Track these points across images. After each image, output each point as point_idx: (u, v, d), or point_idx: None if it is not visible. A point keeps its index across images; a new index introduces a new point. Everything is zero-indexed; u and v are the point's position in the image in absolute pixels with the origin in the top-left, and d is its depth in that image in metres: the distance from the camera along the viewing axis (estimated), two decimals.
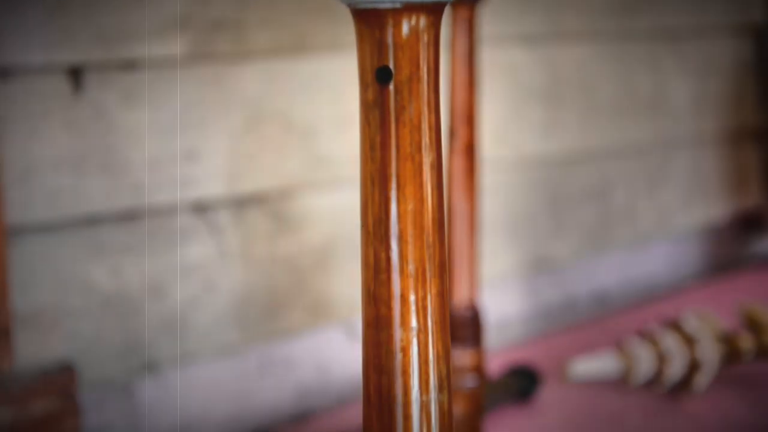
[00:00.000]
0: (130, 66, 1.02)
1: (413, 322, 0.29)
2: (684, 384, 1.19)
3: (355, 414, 1.18)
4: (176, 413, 1.10)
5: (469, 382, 0.81)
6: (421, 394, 0.29)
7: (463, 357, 0.80)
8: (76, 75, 0.98)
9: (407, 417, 0.29)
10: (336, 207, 1.22)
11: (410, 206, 0.29)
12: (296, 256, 1.19)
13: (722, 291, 1.66)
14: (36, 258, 0.96)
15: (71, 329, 0.99)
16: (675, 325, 1.21)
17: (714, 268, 1.81)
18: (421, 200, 0.29)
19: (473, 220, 0.79)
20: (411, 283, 0.29)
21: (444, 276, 0.30)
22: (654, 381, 1.19)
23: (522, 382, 1.21)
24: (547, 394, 1.24)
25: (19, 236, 0.95)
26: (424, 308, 0.29)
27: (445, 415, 0.30)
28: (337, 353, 1.27)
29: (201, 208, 1.09)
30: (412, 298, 0.29)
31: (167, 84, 1.05)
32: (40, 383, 0.94)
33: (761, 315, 1.23)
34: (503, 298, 1.48)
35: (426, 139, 0.29)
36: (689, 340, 1.18)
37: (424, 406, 0.29)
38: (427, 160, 0.29)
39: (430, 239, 0.29)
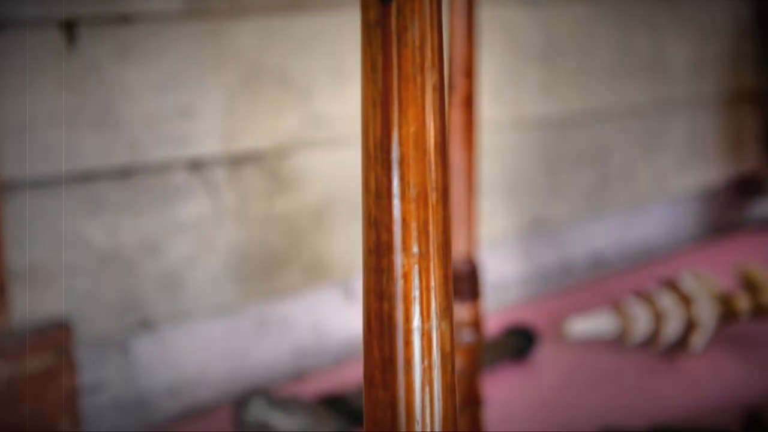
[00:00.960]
0: (124, 20, 1.00)
1: (415, 248, 0.29)
2: (680, 343, 1.19)
3: (353, 374, 1.18)
4: (172, 371, 1.10)
5: (466, 336, 0.81)
6: (422, 321, 0.29)
7: (460, 311, 0.80)
8: (70, 29, 0.97)
9: (408, 344, 0.29)
10: (333, 166, 1.21)
11: (412, 129, 0.28)
12: (293, 216, 1.18)
13: (719, 253, 1.66)
14: (31, 214, 0.96)
15: (67, 286, 0.98)
16: (672, 285, 1.21)
17: (711, 231, 1.81)
18: (423, 123, 0.28)
19: (472, 174, 0.79)
20: (412, 207, 0.28)
21: (446, 201, 0.29)
22: (650, 340, 1.19)
23: (519, 342, 1.21)
24: (544, 354, 1.24)
25: (14, 192, 0.94)
26: (426, 233, 0.29)
27: (447, 343, 0.30)
28: (334, 314, 1.27)
29: (197, 166, 1.08)
30: (413, 222, 0.28)
31: (162, 40, 1.04)
32: (36, 339, 0.94)
33: (758, 275, 1.23)
34: (500, 260, 1.48)
35: (428, 60, 0.28)
36: (686, 300, 1.18)
37: (426, 334, 0.29)
38: (429, 81, 0.28)
39: (433, 163, 0.29)
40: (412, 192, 0.28)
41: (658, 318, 1.18)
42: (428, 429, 0.30)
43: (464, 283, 0.80)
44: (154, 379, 1.08)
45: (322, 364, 1.24)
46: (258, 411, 0.96)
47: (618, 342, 1.22)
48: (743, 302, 1.21)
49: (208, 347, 1.13)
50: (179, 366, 1.10)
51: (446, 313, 0.29)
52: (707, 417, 1.01)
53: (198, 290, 1.10)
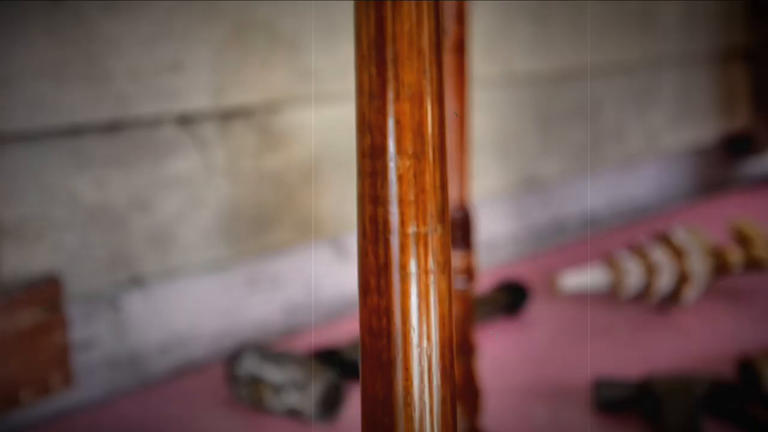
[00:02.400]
0: None
1: (410, 149, 0.28)
2: (673, 296, 1.19)
3: (345, 330, 1.17)
4: (164, 328, 1.09)
5: (460, 284, 0.80)
6: (418, 225, 0.28)
7: (453, 260, 0.80)
8: None
9: (404, 248, 0.28)
10: (323, 123, 1.20)
11: (406, 26, 0.27)
12: (283, 172, 1.17)
13: (710, 211, 1.66)
14: (18, 168, 0.94)
15: (56, 241, 0.97)
16: (664, 239, 1.21)
17: (702, 189, 1.81)
18: (417, 20, 0.28)
19: (464, 118, 0.78)
20: (407, 108, 0.27)
21: (443, 101, 0.28)
22: (643, 294, 1.19)
23: (512, 297, 1.21)
24: (537, 308, 1.24)
25: (1, 145, 0.93)
26: (422, 135, 0.28)
27: (443, 248, 0.29)
28: (325, 271, 1.27)
29: (186, 121, 1.07)
30: (408, 123, 0.28)
31: None
32: (26, 294, 0.93)
33: (750, 228, 1.23)
34: (493, 219, 1.47)
35: None
36: (678, 253, 1.18)
37: (422, 238, 0.28)
38: None
39: (428, 61, 0.28)
40: (407, 92, 0.27)
41: (651, 271, 1.17)
42: (425, 334, 0.29)
43: (457, 230, 0.80)
44: (146, 336, 1.07)
45: (314, 321, 1.24)
46: (250, 365, 0.96)
47: (610, 296, 1.22)
48: (735, 255, 1.21)
49: (199, 304, 1.13)
50: (170, 323, 1.10)
51: (442, 216, 0.29)
52: (700, 367, 1.01)
53: (188, 247, 1.09)
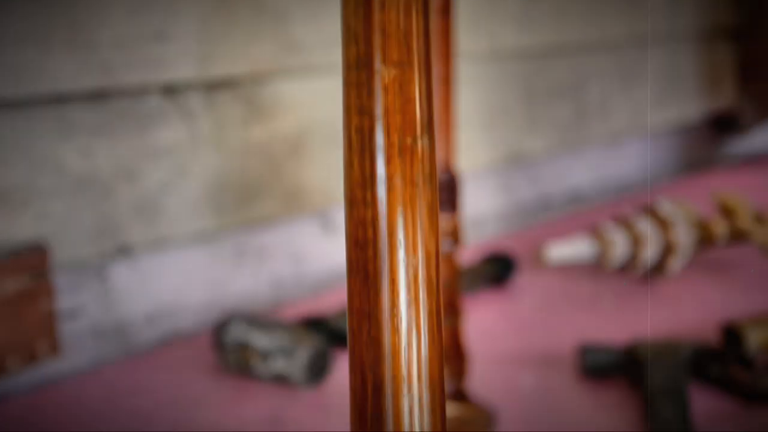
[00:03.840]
0: None
1: (396, 58, 0.28)
2: (658, 267, 1.20)
3: (332, 302, 1.17)
4: (150, 299, 1.09)
5: (445, 246, 0.80)
6: (404, 135, 0.28)
7: (439, 222, 0.80)
8: None
9: (390, 159, 0.28)
10: (309, 95, 1.20)
11: None
12: (269, 144, 1.17)
13: (695, 188, 1.67)
14: (3, 136, 0.94)
15: (42, 209, 0.97)
16: (650, 210, 1.22)
17: (687, 167, 1.82)
18: None
19: (449, 82, 0.78)
20: (393, 16, 0.28)
21: (428, 12, 0.28)
22: (629, 265, 1.20)
23: (498, 268, 1.21)
24: (523, 280, 1.24)
25: None
26: (408, 45, 0.28)
27: (431, 158, 0.29)
28: (312, 244, 1.27)
29: (171, 91, 1.07)
30: (394, 32, 0.28)
31: None
32: (12, 261, 0.93)
33: (734, 201, 1.24)
34: (478, 194, 1.48)
35: None
36: (664, 224, 1.19)
37: (408, 148, 0.28)
38: None
39: None
40: (394, 0, 0.27)
41: (636, 242, 1.18)
42: (411, 246, 0.29)
43: (443, 192, 0.80)
44: (133, 306, 1.07)
45: (301, 295, 1.24)
46: (238, 332, 0.96)
47: (596, 267, 1.23)
48: (720, 227, 1.21)
49: (185, 275, 1.13)
50: (157, 293, 1.10)
51: (429, 127, 0.29)
52: (685, 335, 1.02)
53: (175, 217, 1.09)
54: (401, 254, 0.29)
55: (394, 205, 0.29)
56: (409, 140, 0.28)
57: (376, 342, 0.30)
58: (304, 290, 1.25)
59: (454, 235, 0.81)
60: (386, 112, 0.28)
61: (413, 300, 0.30)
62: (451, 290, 0.82)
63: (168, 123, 1.07)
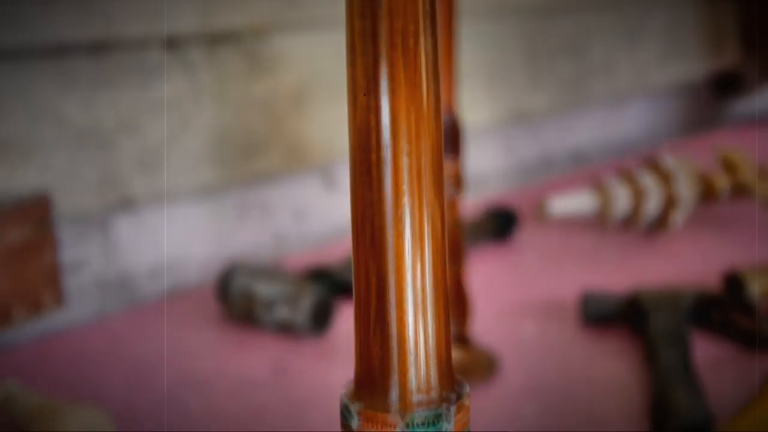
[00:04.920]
0: None
1: None
2: (660, 221, 1.20)
3: (334, 255, 1.18)
4: (154, 252, 1.09)
5: (447, 191, 0.80)
6: (407, 38, 0.28)
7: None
8: None
9: (394, 61, 0.29)
10: (312, 49, 1.20)
11: None
12: (271, 99, 1.17)
13: (698, 148, 1.67)
14: (4, 86, 0.94)
15: (44, 161, 0.97)
16: (652, 164, 1.22)
17: (690, 127, 1.82)
18: None
19: (451, 23, 0.78)
20: None
21: None
22: (631, 219, 1.20)
23: (500, 222, 1.21)
24: (525, 234, 1.24)
25: None
26: None
27: (433, 52, 0.29)
28: (314, 201, 1.27)
29: (173, 44, 1.07)
30: None
31: None
32: (14, 212, 0.93)
33: (736, 156, 1.23)
34: (480, 152, 1.48)
35: None
36: (666, 177, 1.19)
37: (411, 50, 0.28)
38: None
39: None
40: None
41: (638, 196, 1.18)
42: (414, 141, 0.30)
43: (445, 136, 0.80)
44: (136, 259, 1.08)
45: (303, 250, 1.25)
46: (241, 281, 0.96)
47: (598, 221, 1.23)
48: (722, 181, 1.21)
49: (188, 229, 1.13)
50: (160, 247, 1.10)
51: (431, 19, 0.29)
52: (687, 285, 1.02)
53: (177, 171, 1.09)
54: (404, 149, 0.30)
55: (398, 107, 0.29)
56: (411, 41, 0.28)
57: (379, 245, 0.31)
58: (306, 247, 1.25)
59: (457, 180, 0.82)
60: (390, 11, 0.28)
61: (416, 204, 0.30)
62: (454, 236, 0.82)
63: (169, 76, 1.07)
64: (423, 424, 0.32)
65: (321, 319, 0.94)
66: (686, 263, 1.12)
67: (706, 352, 0.87)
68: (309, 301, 0.92)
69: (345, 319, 0.97)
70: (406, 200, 0.30)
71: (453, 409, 0.32)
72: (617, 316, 0.94)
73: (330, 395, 0.82)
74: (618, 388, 0.82)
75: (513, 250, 1.20)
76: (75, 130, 0.99)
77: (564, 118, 1.60)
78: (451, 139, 0.80)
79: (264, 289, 0.94)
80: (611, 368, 0.86)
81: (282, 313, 0.93)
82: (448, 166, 0.80)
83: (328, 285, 1.00)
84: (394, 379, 0.32)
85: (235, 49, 1.12)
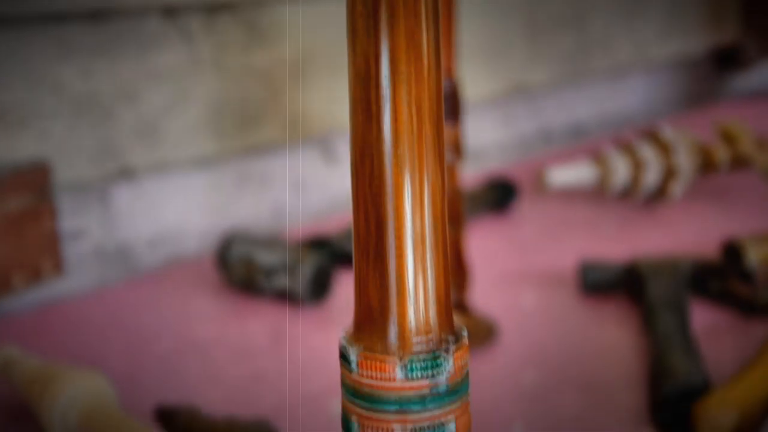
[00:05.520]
0: None
1: None
2: (659, 192, 1.20)
3: (333, 226, 1.18)
4: (153, 222, 1.09)
5: (447, 157, 0.80)
6: None
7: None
8: None
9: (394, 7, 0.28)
10: (311, 20, 1.19)
11: None
12: (270, 69, 1.17)
13: (698, 123, 1.67)
14: (3, 54, 0.94)
15: (43, 129, 0.97)
16: (652, 135, 1.21)
17: (690, 101, 1.81)
18: None
19: None
20: None
21: None
22: (630, 190, 1.20)
23: (499, 194, 1.21)
24: (524, 206, 1.24)
25: None
26: None
27: (434, 7, 0.29)
28: (313, 173, 1.27)
29: (171, 12, 1.06)
30: None
31: None
32: (13, 179, 0.93)
33: (735, 127, 1.23)
34: (480, 126, 1.47)
35: None
36: (665, 149, 1.19)
37: None
38: None
39: None
40: None
41: (638, 167, 1.18)
42: (413, 80, 0.30)
43: (444, 101, 0.80)
44: (135, 229, 1.08)
45: (302, 221, 1.24)
46: (241, 249, 0.96)
47: (597, 192, 1.23)
48: (721, 152, 1.21)
49: (188, 200, 1.13)
50: (159, 217, 1.10)
51: None
52: (686, 254, 1.02)
53: (176, 141, 1.09)
54: (404, 89, 0.30)
55: (397, 38, 0.29)
56: None
57: (378, 178, 0.31)
58: (305, 218, 1.25)
59: (456, 147, 0.81)
60: None
61: (416, 143, 0.30)
62: (453, 203, 0.82)
63: (168, 45, 1.06)
64: (422, 365, 0.32)
65: (320, 288, 0.94)
66: (685, 234, 1.12)
67: (704, 319, 0.87)
68: (308, 270, 0.92)
69: (344, 288, 0.97)
70: (405, 139, 0.30)
71: (452, 351, 0.32)
72: (616, 285, 0.94)
73: (329, 362, 0.82)
74: (616, 355, 0.83)
75: (512, 221, 1.20)
76: (73, 99, 0.99)
77: (563, 92, 1.60)
78: (450, 104, 0.80)
79: (264, 257, 0.95)
80: (610, 335, 0.87)
81: (281, 281, 0.93)
82: (447, 131, 0.80)
83: (328, 254, 1.00)
84: (393, 320, 0.32)
85: (234, 19, 1.12)
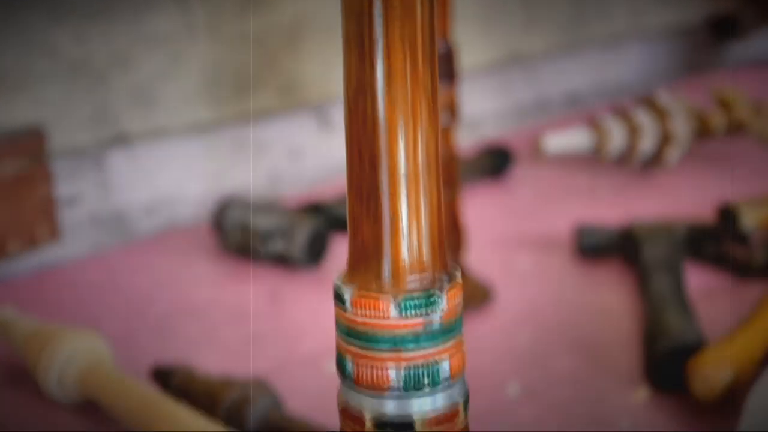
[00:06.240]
0: None
1: None
2: (655, 158, 1.20)
3: (329, 192, 1.18)
4: (149, 189, 1.09)
5: (442, 120, 0.80)
6: None
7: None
8: None
9: None
10: None
11: None
12: (266, 35, 1.16)
13: (694, 92, 1.66)
14: None
15: (38, 94, 0.97)
16: (648, 101, 1.21)
17: (686, 70, 1.81)
18: None
19: None
20: None
21: None
22: (626, 156, 1.20)
23: (495, 160, 1.21)
24: (520, 172, 1.24)
25: None
26: None
27: None
28: (309, 140, 1.27)
29: None
30: None
31: None
32: (8, 144, 0.93)
33: (732, 93, 1.23)
34: (476, 94, 1.47)
35: None
36: (662, 114, 1.18)
37: None
38: None
39: None
40: None
41: (634, 132, 1.18)
42: (407, 16, 0.29)
43: (440, 63, 0.79)
44: (131, 195, 1.08)
45: (298, 190, 1.24)
46: (238, 214, 0.96)
47: (593, 159, 1.23)
48: (718, 118, 1.21)
49: (183, 167, 1.13)
50: (155, 183, 1.10)
51: None
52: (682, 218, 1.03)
53: (172, 107, 1.09)
54: (397, 24, 0.30)
55: None
56: None
57: (372, 117, 0.31)
58: (301, 186, 1.25)
59: (452, 109, 0.81)
60: None
61: (411, 72, 0.30)
62: (448, 165, 0.82)
63: (163, 10, 1.06)
64: (416, 304, 0.32)
65: (316, 252, 0.94)
66: (681, 199, 1.12)
67: (700, 281, 0.88)
68: (304, 234, 0.93)
69: (339, 252, 0.98)
70: (399, 77, 0.30)
71: (446, 290, 0.32)
72: (611, 248, 0.94)
73: (324, 323, 0.83)
74: (611, 316, 0.83)
75: (508, 187, 1.20)
76: (68, 63, 0.99)
77: (560, 60, 1.59)
78: (445, 67, 0.80)
79: (260, 222, 0.95)
80: (605, 298, 0.87)
81: (278, 245, 0.93)
82: (443, 93, 0.80)
83: (323, 218, 1.00)
84: (387, 258, 0.32)
85: None
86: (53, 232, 0.97)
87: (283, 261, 0.94)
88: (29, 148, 0.95)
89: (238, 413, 0.60)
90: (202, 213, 1.13)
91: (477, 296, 0.84)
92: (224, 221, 0.97)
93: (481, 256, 0.94)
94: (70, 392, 0.69)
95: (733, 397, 0.65)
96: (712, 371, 0.65)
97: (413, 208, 0.31)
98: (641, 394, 0.70)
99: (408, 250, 0.32)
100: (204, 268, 0.97)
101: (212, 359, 0.76)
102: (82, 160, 1.02)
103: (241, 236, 0.95)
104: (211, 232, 1.03)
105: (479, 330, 0.81)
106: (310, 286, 0.91)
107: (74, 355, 0.68)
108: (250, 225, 0.95)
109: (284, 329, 0.83)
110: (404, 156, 0.31)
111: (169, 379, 0.66)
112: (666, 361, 0.69)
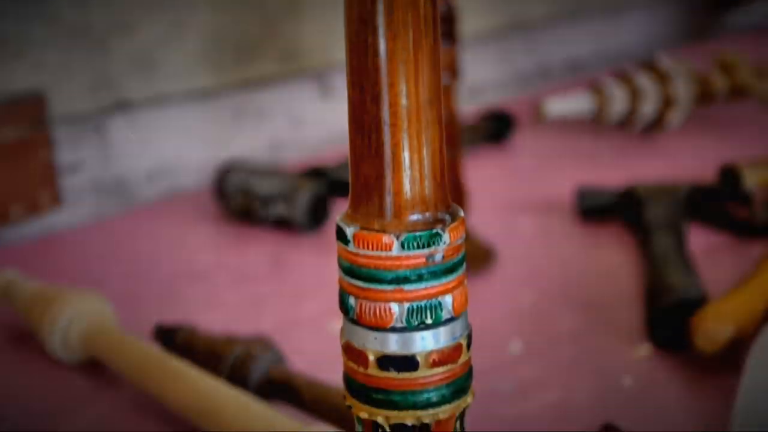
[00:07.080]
0: None
1: None
2: (657, 122, 1.20)
3: (330, 158, 1.18)
4: (150, 155, 1.09)
5: (443, 80, 0.80)
6: None
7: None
8: None
9: None
10: None
11: None
12: (266, 1, 1.16)
13: (697, 56, 1.66)
14: None
15: (38, 59, 0.97)
16: (649, 65, 1.21)
17: (689, 37, 1.80)
18: None
19: None
20: None
21: None
22: (627, 119, 1.19)
23: (497, 125, 1.21)
24: (521, 137, 1.24)
25: None
26: None
27: None
28: (310, 108, 1.26)
29: None
30: None
31: None
32: (9, 109, 0.93)
33: (733, 57, 1.23)
34: (476, 62, 1.46)
35: None
36: (663, 78, 1.18)
37: None
38: None
39: None
40: None
41: (635, 96, 1.17)
42: None
43: (441, 24, 0.79)
44: (133, 162, 1.08)
45: (299, 157, 1.24)
46: (239, 178, 0.96)
47: (595, 123, 1.23)
48: (719, 81, 1.21)
49: (185, 134, 1.13)
50: (157, 150, 1.10)
51: None
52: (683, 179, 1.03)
53: (172, 73, 1.09)
54: None
55: None
56: None
57: (373, 50, 0.31)
58: (302, 153, 1.25)
59: (453, 69, 0.81)
60: None
61: (412, 4, 0.30)
62: (450, 124, 0.82)
63: None
64: (418, 240, 0.32)
65: (317, 215, 0.94)
66: (683, 161, 1.12)
67: (702, 242, 0.88)
68: (306, 198, 0.93)
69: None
70: (400, 8, 0.30)
71: (448, 226, 0.32)
72: (612, 209, 0.94)
73: (326, 286, 0.83)
74: (613, 276, 0.83)
75: (510, 152, 1.20)
76: (68, 29, 0.98)
77: (561, 28, 1.59)
78: (446, 27, 0.79)
79: (261, 186, 0.95)
80: (606, 258, 0.87)
81: (279, 209, 0.93)
82: (444, 54, 0.79)
83: (325, 182, 1.00)
84: (389, 195, 0.32)
85: None
86: (55, 198, 0.97)
87: (284, 224, 0.94)
88: (30, 114, 0.94)
89: (242, 369, 0.61)
90: (204, 180, 1.13)
91: (480, 258, 0.84)
92: (226, 185, 0.97)
93: (483, 217, 0.94)
94: (74, 352, 0.69)
95: (734, 351, 0.65)
96: (714, 325, 0.66)
97: (415, 144, 0.31)
98: (642, 351, 0.70)
99: (410, 187, 0.32)
100: (206, 233, 0.97)
101: (216, 320, 0.76)
102: (83, 126, 1.02)
103: (242, 200, 0.95)
104: (213, 198, 1.03)
105: (482, 291, 0.81)
106: (312, 249, 0.91)
107: (77, 316, 0.69)
108: (251, 189, 0.95)
109: (286, 291, 0.83)
110: (405, 89, 0.31)
111: (172, 338, 0.67)
112: (668, 316, 0.69)
